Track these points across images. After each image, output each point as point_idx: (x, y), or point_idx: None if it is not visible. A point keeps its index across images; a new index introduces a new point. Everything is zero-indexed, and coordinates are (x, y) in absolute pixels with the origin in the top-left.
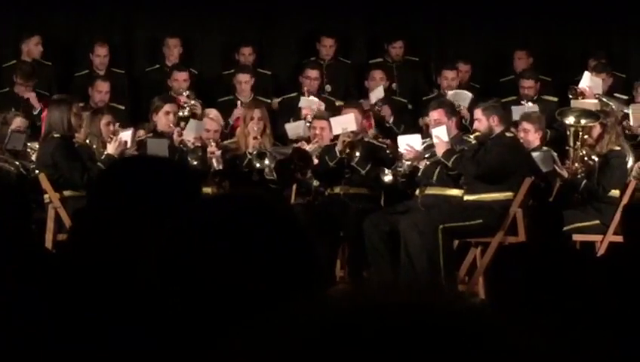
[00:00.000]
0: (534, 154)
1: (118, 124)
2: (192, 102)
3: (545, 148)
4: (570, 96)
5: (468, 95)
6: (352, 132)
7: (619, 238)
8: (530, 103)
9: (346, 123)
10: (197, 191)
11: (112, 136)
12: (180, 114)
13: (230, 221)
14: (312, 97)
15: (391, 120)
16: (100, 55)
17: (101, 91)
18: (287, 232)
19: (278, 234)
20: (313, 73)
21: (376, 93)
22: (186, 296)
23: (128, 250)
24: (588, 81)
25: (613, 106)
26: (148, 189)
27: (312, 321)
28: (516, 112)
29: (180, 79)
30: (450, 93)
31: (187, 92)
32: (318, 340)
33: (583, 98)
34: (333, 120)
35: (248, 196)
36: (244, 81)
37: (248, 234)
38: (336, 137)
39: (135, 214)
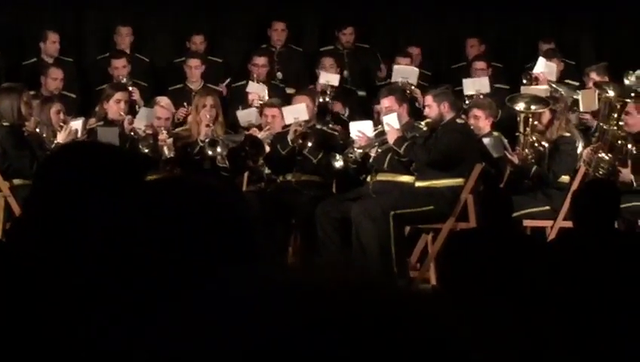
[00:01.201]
0: (485, 140)
1: (69, 117)
2: (130, 89)
3: (495, 133)
4: (525, 81)
5: (414, 70)
6: (304, 121)
7: (569, 224)
8: (482, 79)
9: (297, 112)
10: (142, 177)
11: (62, 124)
12: None
13: (165, 204)
14: (260, 83)
15: (346, 113)
16: (55, 42)
17: (56, 78)
18: (224, 214)
19: (214, 216)
20: (261, 60)
21: (329, 78)
22: (125, 277)
23: (71, 236)
24: (542, 67)
25: (563, 92)
26: (90, 175)
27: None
28: (467, 87)
29: (119, 66)
30: (395, 68)
31: (125, 79)
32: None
33: (536, 83)
34: (285, 109)
35: (184, 180)
36: (194, 66)
37: (183, 217)
38: (288, 125)
39: (78, 200)
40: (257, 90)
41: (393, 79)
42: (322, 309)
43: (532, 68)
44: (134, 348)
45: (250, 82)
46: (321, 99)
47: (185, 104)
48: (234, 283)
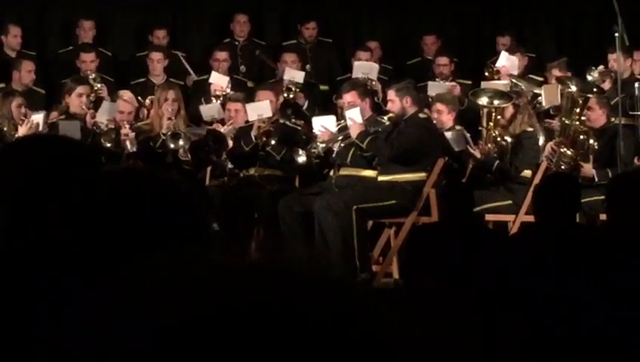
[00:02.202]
0: (447, 134)
1: (31, 111)
2: (98, 85)
3: (457, 127)
4: (487, 74)
5: (374, 66)
6: (268, 118)
7: (531, 218)
8: (445, 82)
9: (261, 110)
10: (96, 169)
11: (23, 118)
12: None
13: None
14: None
15: (305, 105)
16: (17, 35)
17: (30, 71)
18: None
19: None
20: (222, 55)
21: (294, 75)
22: (57, 268)
23: (23, 229)
24: (505, 61)
25: (523, 87)
26: (43, 167)
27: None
28: (432, 89)
29: (87, 60)
30: (356, 64)
31: (93, 74)
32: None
33: (498, 77)
34: (248, 106)
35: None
36: (157, 60)
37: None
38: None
39: (30, 192)
40: (219, 81)
41: (354, 75)
42: (232, 300)
43: (494, 62)
44: (37, 340)
45: (212, 72)
46: (285, 95)
47: (148, 99)
48: (146, 271)
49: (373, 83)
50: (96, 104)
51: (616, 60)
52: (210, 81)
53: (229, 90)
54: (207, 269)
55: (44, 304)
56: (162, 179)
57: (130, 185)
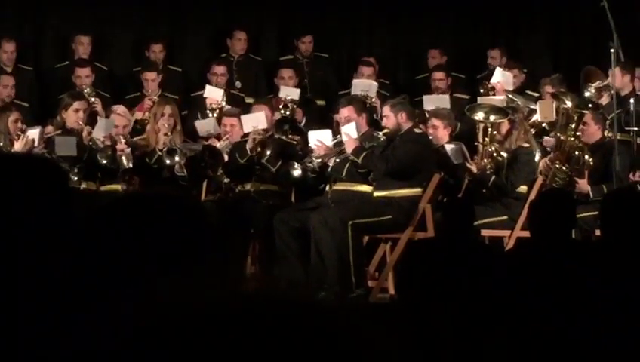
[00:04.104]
0: (447, 147)
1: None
2: (92, 99)
3: (457, 142)
4: (482, 91)
5: (373, 84)
6: (263, 130)
7: (526, 233)
8: (442, 96)
9: (256, 121)
10: (63, 185)
11: (19, 133)
12: None
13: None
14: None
15: (303, 121)
16: (7, 51)
17: (7, 85)
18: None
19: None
20: (220, 69)
21: (289, 92)
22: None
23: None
24: (499, 77)
25: (519, 103)
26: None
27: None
28: (427, 102)
29: (82, 75)
30: (355, 82)
31: (88, 89)
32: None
33: (494, 93)
34: (243, 117)
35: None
36: (151, 79)
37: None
38: (247, 134)
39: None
40: (214, 95)
41: (353, 92)
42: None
43: (487, 78)
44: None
45: (207, 86)
46: (283, 112)
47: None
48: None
49: (373, 100)
50: (90, 118)
51: (612, 75)
52: (205, 95)
53: (224, 103)
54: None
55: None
56: (191, 204)
57: (159, 210)
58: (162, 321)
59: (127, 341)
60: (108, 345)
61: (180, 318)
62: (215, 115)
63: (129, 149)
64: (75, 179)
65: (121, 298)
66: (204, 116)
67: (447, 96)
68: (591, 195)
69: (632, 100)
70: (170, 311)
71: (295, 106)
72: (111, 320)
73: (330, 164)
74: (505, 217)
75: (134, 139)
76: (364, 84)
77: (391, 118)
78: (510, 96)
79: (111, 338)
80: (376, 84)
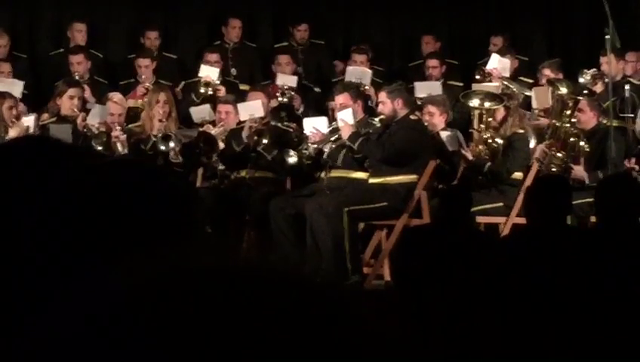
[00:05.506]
0: (443, 133)
1: (20, 107)
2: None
3: (451, 129)
4: (478, 77)
5: (367, 71)
6: (259, 118)
7: (522, 220)
8: (434, 83)
9: (253, 109)
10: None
11: (14, 120)
12: None
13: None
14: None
15: (301, 109)
16: (1, 45)
17: (2, 72)
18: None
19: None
20: (213, 57)
21: (286, 80)
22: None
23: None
24: (496, 63)
25: (514, 89)
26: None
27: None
28: (419, 89)
29: (75, 62)
30: (349, 69)
31: (85, 75)
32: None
33: (489, 80)
34: (240, 106)
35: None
36: (145, 65)
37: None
38: (243, 121)
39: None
40: (209, 73)
41: (347, 80)
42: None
43: (485, 64)
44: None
45: (202, 65)
46: (280, 99)
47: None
48: (130, 270)
49: (366, 88)
50: (82, 105)
51: (607, 63)
52: (200, 74)
53: (218, 83)
54: (189, 270)
55: (25, 298)
56: (149, 169)
57: (116, 175)
58: (149, 290)
59: (114, 315)
60: (96, 315)
61: (165, 287)
62: (210, 92)
63: (124, 136)
64: None
65: (105, 271)
66: (198, 96)
67: (439, 83)
68: (586, 181)
69: (627, 87)
70: (156, 281)
71: (293, 93)
72: (97, 291)
73: (326, 150)
74: (500, 204)
75: (129, 125)
76: (358, 72)
77: (387, 104)
78: (505, 82)
79: (99, 308)
80: (370, 71)
